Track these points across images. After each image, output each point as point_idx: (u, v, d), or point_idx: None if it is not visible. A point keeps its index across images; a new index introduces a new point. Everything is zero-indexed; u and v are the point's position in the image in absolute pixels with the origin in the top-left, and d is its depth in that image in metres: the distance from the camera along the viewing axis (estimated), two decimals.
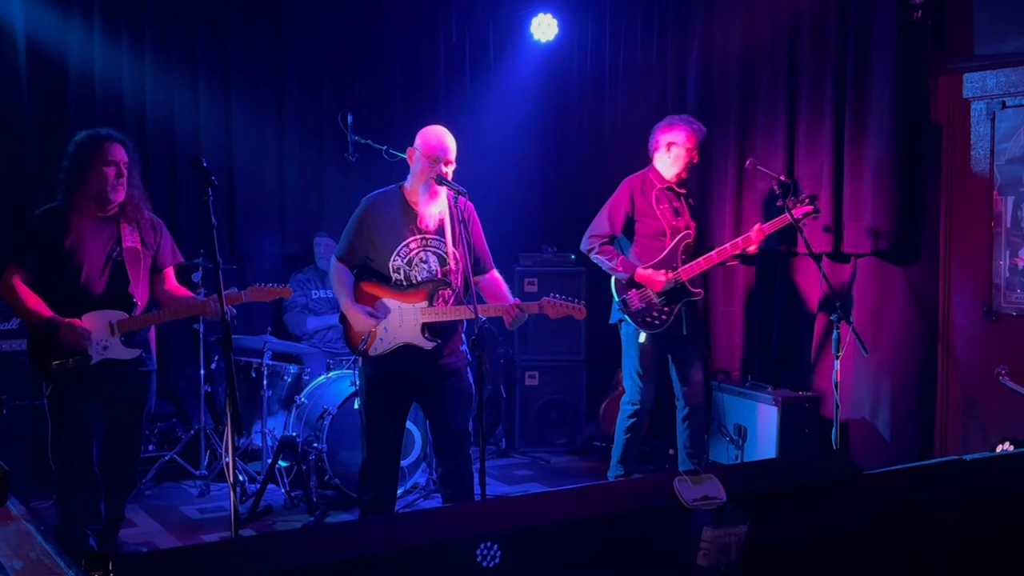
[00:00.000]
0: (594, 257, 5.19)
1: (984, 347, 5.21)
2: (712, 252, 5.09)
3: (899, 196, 5.34)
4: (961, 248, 5.32)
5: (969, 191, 5.25)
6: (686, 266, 5.05)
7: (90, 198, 4.05)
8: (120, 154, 4.08)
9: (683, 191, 5.23)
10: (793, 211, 5.00)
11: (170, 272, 4.35)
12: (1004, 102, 5.10)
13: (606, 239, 5.17)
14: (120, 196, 4.09)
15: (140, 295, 4.13)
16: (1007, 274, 5.13)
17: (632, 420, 5.18)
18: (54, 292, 4.02)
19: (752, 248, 5.11)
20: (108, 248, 4.09)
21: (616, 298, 5.13)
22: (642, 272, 5.04)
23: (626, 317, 5.11)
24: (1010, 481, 2.88)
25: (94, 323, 4.00)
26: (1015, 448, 4.67)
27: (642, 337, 5.07)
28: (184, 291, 4.37)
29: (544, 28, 6.97)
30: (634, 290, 5.07)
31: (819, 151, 5.69)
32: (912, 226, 5.39)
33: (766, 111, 6.02)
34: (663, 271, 5.03)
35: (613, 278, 5.15)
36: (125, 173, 4.08)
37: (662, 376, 5.29)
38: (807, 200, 5.10)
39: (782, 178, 5.21)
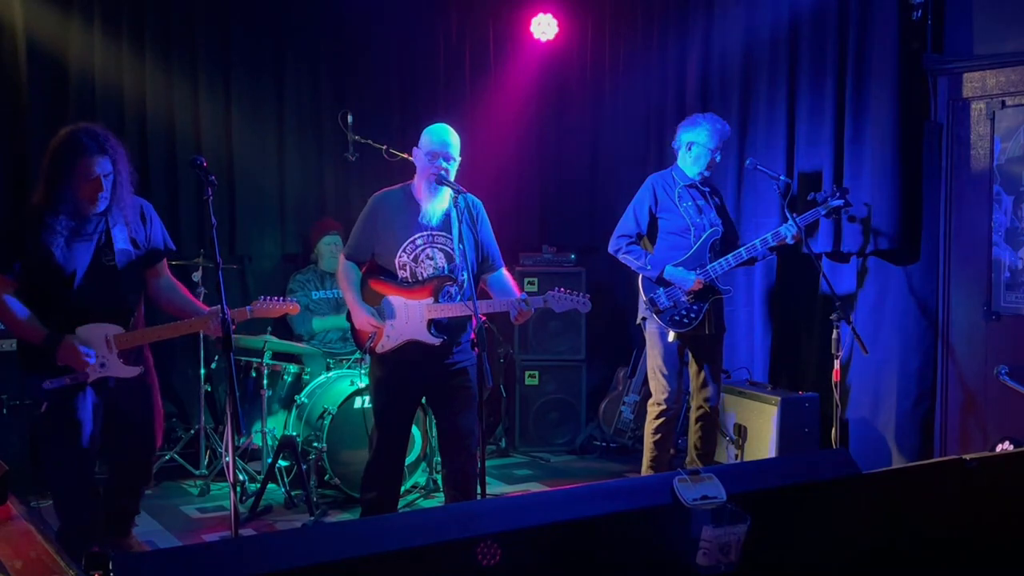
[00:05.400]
0: (622, 257, 5.11)
1: (984, 347, 5.21)
2: (741, 249, 5.01)
3: (899, 195, 5.34)
4: (961, 248, 5.32)
5: (969, 190, 5.26)
6: (714, 264, 4.97)
7: (67, 210, 3.63)
8: (101, 167, 3.61)
9: (707, 189, 5.14)
10: (824, 204, 5.05)
11: (164, 263, 3.99)
12: (1004, 101, 5.10)
13: (633, 238, 5.10)
14: (101, 207, 3.67)
15: (136, 303, 3.84)
16: (1007, 274, 5.13)
17: (660, 421, 5.06)
18: (44, 303, 3.64)
19: (792, 240, 4.96)
20: (99, 253, 3.71)
21: (643, 296, 5.07)
22: (671, 270, 4.97)
23: (652, 316, 5.03)
24: (1010, 481, 2.88)
25: (89, 338, 3.65)
26: (1015, 448, 4.67)
27: (671, 336, 5.00)
28: (181, 288, 4.05)
29: (544, 28, 6.97)
30: (662, 289, 5.00)
31: (819, 150, 5.70)
32: (912, 225, 5.40)
33: (766, 110, 6.03)
34: (693, 270, 4.96)
35: (640, 277, 5.06)
36: (106, 187, 3.64)
37: (687, 376, 5.22)
38: (838, 193, 5.11)
39: (782, 177, 5.20)
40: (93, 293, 3.69)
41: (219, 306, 3.55)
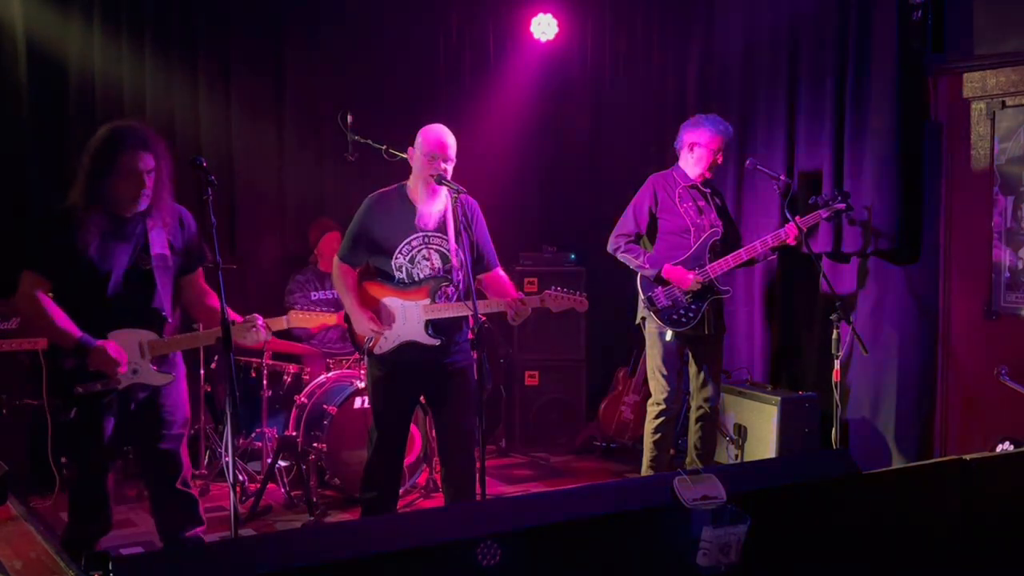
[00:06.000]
0: (620, 256, 5.11)
1: (984, 347, 5.21)
2: (741, 250, 5.01)
3: (899, 196, 5.34)
4: (961, 248, 5.32)
5: (969, 191, 5.26)
6: (713, 264, 4.97)
7: (109, 207, 3.53)
8: (144, 162, 3.52)
9: (708, 190, 5.14)
10: (827, 207, 5.05)
11: (199, 272, 3.84)
12: (1004, 102, 5.10)
13: (632, 237, 5.10)
14: (142, 206, 3.56)
15: (169, 309, 3.66)
16: (1007, 274, 5.13)
17: (659, 420, 5.07)
18: (77, 305, 3.52)
19: (792, 241, 4.96)
20: (135, 256, 3.57)
21: (641, 295, 5.07)
22: (670, 269, 4.96)
23: (650, 315, 5.04)
24: (1010, 481, 2.88)
25: (122, 343, 3.52)
26: (1015, 448, 4.67)
27: (668, 335, 5.00)
28: (213, 296, 3.85)
29: (544, 28, 6.97)
30: (660, 287, 5.00)
31: (819, 151, 5.69)
32: (912, 226, 5.39)
33: (766, 111, 6.03)
34: (692, 270, 4.96)
35: (639, 276, 5.07)
36: (148, 183, 3.53)
37: (686, 376, 5.21)
38: (840, 197, 5.11)
39: (782, 178, 5.19)
40: (128, 297, 3.57)
41: (254, 314, 3.54)
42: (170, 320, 3.67)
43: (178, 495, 3.72)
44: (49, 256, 3.51)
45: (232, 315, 3.75)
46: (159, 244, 3.60)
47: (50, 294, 3.53)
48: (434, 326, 4.05)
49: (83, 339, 3.45)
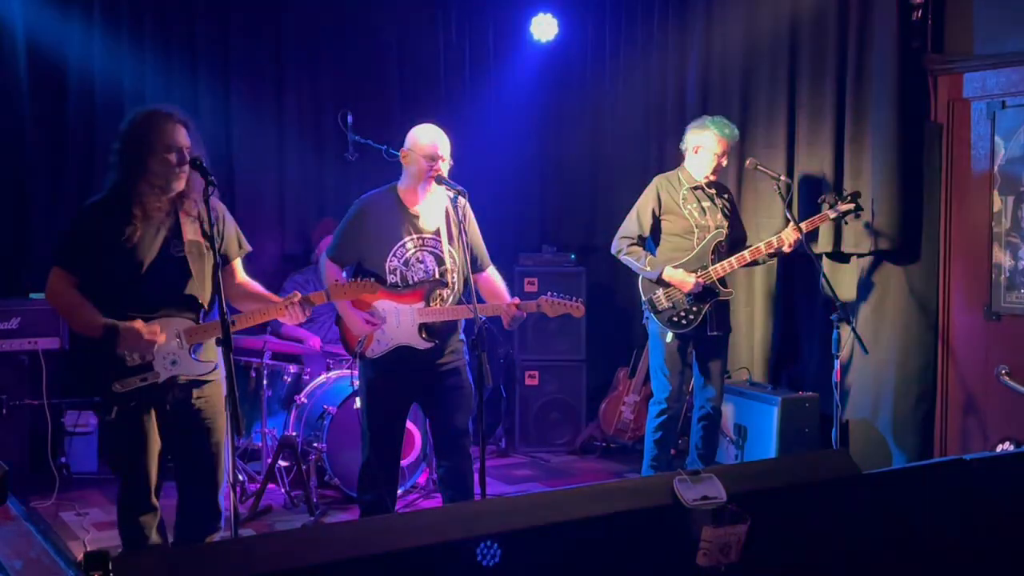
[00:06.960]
0: (623, 258, 5.10)
1: (984, 347, 5.21)
2: (744, 251, 4.99)
3: (899, 196, 5.34)
4: (961, 248, 5.32)
5: (969, 191, 5.26)
6: (716, 266, 4.96)
7: (148, 187, 3.44)
8: (182, 137, 3.45)
9: (713, 191, 5.13)
10: (834, 208, 5.02)
11: (237, 264, 3.77)
12: (1004, 102, 5.10)
13: (635, 239, 5.09)
14: (180, 185, 3.48)
15: (205, 297, 3.57)
16: (1007, 274, 5.13)
17: (660, 419, 5.08)
18: (108, 296, 3.45)
19: (787, 249, 4.97)
20: (167, 243, 3.50)
21: (643, 297, 5.08)
22: (670, 272, 4.96)
23: (652, 316, 5.06)
24: (1010, 481, 2.88)
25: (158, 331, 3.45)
26: (1015, 448, 4.67)
27: (668, 336, 5.00)
28: (256, 286, 3.80)
29: (544, 28, 6.97)
30: (661, 289, 5.00)
31: (819, 150, 5.69)
32: (912, 225, 5.39)
33: (766, 110, 6.03)
34: (693, 272, 4.95)
35: (640, 278, 5.07)
36: (188, 158, 3.45)
37: (688, 376, 5.22)
38: (849, 197, 5.07)
39: (782, 177, 5.19)
40: (161, 285, 3.50)
41: (295, 292, 3.58)
42: (206, 308, 3.58)
43: (209, 505, 3.68)
44: (75, 251, 3.48)
45: (270, 295, 3.76)
46: (192, 231, 3.54)
47: (78, 287, 3.47)
48: (427, 329, 4.03)
49: (108, 324, 3.39)
